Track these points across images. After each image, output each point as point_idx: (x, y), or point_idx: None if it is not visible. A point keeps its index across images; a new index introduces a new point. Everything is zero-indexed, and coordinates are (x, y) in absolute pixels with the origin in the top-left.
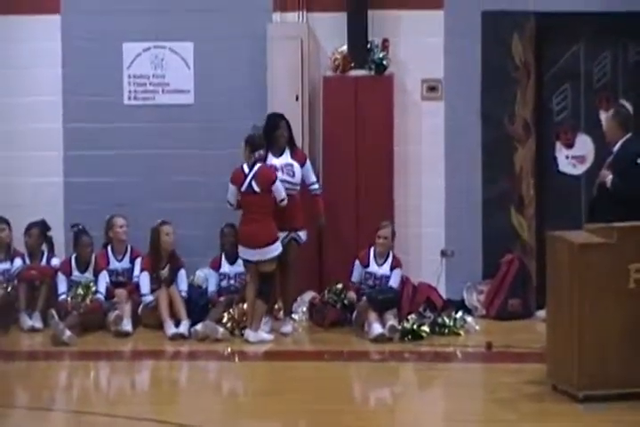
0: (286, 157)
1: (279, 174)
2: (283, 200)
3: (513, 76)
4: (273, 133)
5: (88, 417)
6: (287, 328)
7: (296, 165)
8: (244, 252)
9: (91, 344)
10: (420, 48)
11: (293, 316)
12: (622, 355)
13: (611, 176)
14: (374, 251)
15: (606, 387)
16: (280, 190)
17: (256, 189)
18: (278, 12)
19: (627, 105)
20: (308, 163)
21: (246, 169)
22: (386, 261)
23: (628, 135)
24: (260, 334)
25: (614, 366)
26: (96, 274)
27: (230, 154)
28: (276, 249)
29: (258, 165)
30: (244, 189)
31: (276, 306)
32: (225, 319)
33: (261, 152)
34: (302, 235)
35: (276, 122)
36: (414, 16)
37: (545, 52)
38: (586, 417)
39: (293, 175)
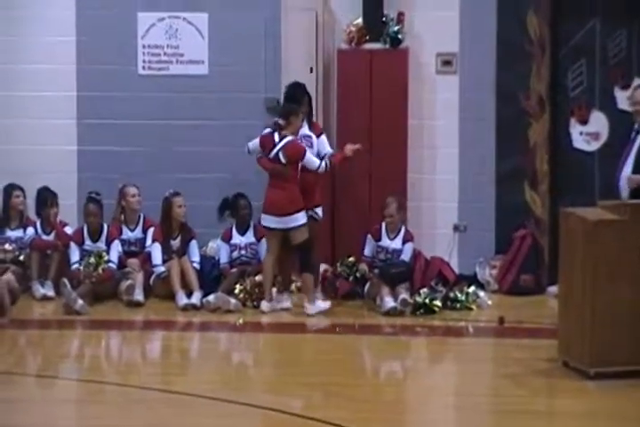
0: (305, 129)
1: None
2: (319, 168)
3: (528, 52)
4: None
5: (99, 386)
6: (287, 304)
7: (314, 137)
8: (266, 219)
9: (102, 313)
10: (435, 22)
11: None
12: (634, 332)
13: None
14: (386, 225)
15: (617, 364)
16: (312, 161)
17: (282, 159)
18: None
19: None
20: (324, 135)
21: (277, 138)
22: (398, 235)
23: None
24: (318, 305)
25: (626, 344)
26: (108, 243)
27: (243, 125)
28: (302, 218)
29: (288, 138)
30: (271, 156)
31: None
32: (237, 291)
33: (280, 122)
34: (319, 212)
35: (298, 96)
36: None
37: (560, 27)
38: (596, 394)
39: (312, 146)
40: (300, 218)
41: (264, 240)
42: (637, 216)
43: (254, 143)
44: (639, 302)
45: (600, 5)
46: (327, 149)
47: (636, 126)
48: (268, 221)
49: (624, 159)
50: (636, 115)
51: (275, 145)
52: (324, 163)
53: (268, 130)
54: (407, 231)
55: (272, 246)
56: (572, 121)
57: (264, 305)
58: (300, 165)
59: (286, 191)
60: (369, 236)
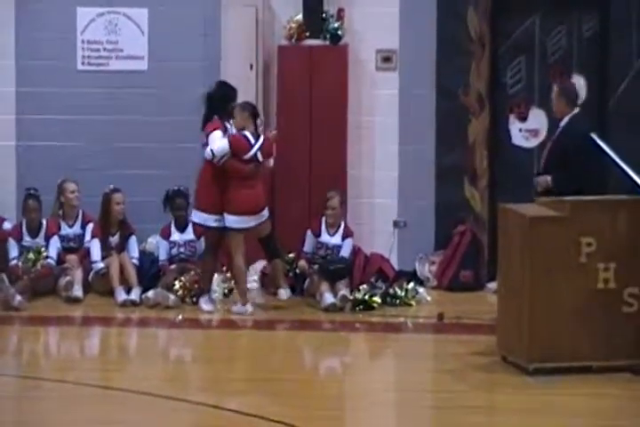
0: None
1: None
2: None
3: (468, 48)
4: (229, 104)
5: (37, 382)
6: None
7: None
8: (240, 220)
9: (41, 309)
10: (375, 18)
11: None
12: (572, 328)
13: (549, 177)
14: (325, 221)
15: (556, 360)
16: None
17: (260, 158)
18: None
19: (580, 80)
20: None
21: (251, 139)
22: (337, 231)
23: (576, 111)
24: (288, 291)
25: (564, 339)
26: (47, 239)
27: (183, 121)
28: (267, 210)
29: (262, 136)
30: (247, 157)
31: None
32: (176, 287)
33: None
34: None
35: (232, 95)
36: None
37: (500, 24)
38: (535, 389)
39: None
40: (267, 209)
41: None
42: (575, 212)
43: (221, 148)
44: (577, 297)
45: (539, 2)
46: None
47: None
48: (243, 221)
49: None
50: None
51: (252, 146)
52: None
53: (218, 132)
54: (347, 227)
55: (216, 245)
56: (512, 118)
57: (281, 293)
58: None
59: (257, 188)
60: (308, 232)
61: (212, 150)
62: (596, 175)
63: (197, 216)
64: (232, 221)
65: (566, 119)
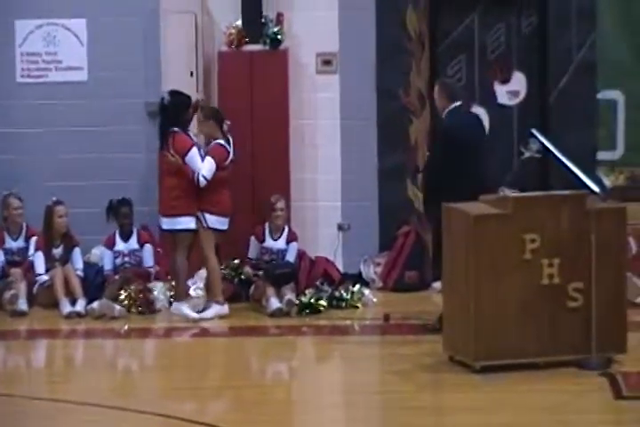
0: None
1: None
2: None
3: (407, 48)
4: (185, 113)
5: None
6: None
7: None
8: (223, 221)
9: None
10: (314, 22)
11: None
12: (518, 325)
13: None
14: (269, 226)
15: (502, 357)
16: None
17: (233, 160)
18: None
19: (521, 76)
20: None
21: (227, 146)
22: (281, 235)
23: (455, 104)
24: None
25: (510, 337)
26: None
27: (125, 130)
28: None
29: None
30: (228, 162)
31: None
32: (122, 297)
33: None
34: None
35: (187, 102)
36: None
37: (439, 23)
38: (483, 387)
39: None
40: None
41: (148, 246)
42: (519, 209)
43: (211, 170)
44: (523, 293)
45: (478, 0)
46: None
47: None
48: (224, 223)
49: None
50: None
51: (228, 151)
52: None
53: (194, 150)
54: (290, 231)
55: (190, 248)
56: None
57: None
58: None
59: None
60: (252, 238)
61: (204, 177)
62: (462, 166)
63: (176, 222)
64: (215, 221)
65: (445, 112)
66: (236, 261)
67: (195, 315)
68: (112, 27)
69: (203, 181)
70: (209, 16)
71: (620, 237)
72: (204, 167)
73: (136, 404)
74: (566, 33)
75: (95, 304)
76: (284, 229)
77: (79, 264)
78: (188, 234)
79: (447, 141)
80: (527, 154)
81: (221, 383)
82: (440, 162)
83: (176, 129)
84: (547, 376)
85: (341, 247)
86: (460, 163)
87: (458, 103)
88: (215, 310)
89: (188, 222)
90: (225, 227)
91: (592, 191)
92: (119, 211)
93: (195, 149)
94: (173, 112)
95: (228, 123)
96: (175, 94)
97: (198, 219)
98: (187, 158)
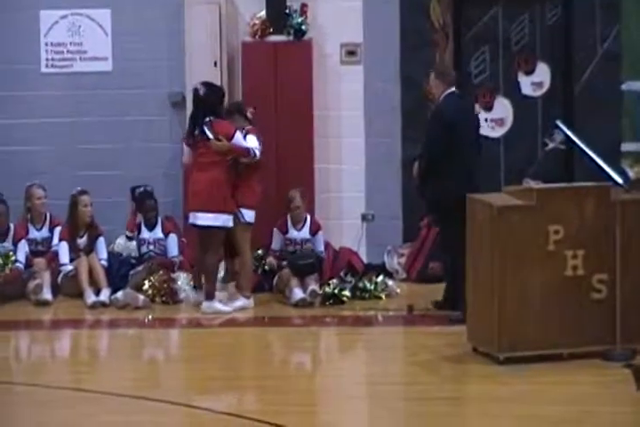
0: None
1: None
2: None
3: (431, 39)
4: (220, 106)
5: (8, 387)
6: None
7: None
8: (254, 215)
9: (10, 314)
10: (338, 12)
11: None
12: (541, 316)
13: (417, 163)
14: (291, 219)
15: (526, 349)
16: None
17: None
18: None
19: (545, 67)
20: None
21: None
22: (304, 225)
23: (450, 89)
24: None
25: (534, 328)
26: (15, 243)
27: (149, 120)
28: None
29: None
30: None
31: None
32: (145, 287)
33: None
34: None
35: (222, 96)
36: None
37: (463, 14)
38: (506, 379)
39: None
40: None
41: (173, 236)
42: (543, 201)
43: (258, 145)
44: (546, 286)
45: None
46: None
47: None
48: (254, 216)
49: None
50: None
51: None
52: None
53: (238, 132)
54: (313, 221)
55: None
56: (477, 108)
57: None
58: None
59: None
60: (275, 230)
61: (259, 150)
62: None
63: (214, 219)
64: (251, 216)
65: (441, 98)
66: (260, 252)
67: (228, 308)
68: (136, 17)
69: (259, 155)
70: (233, 7)
71: None
72: (253, 144)
73: (160, 394)
74: (590, 24)
75: (119, 294)
76: (305, 219)
77: (103, 254)
78: (224, 231)
79: (443, 124)
80: (551, 145)
81: (245, 374)
82: (436, 144)
83: (212, 118)
84: (570, 368)
85: (365, 238)
86: (455, 146)
87: (453, 88)
88: (242, 302)
89: (226, 220)
90: (254, 220)
91: (616, 183)
92: (144, 204)
93: (238, 132)
94: (210, 103)
95: (252, 110)
96: (209, 86)
97: (235, 215)
98: (233, 141)
